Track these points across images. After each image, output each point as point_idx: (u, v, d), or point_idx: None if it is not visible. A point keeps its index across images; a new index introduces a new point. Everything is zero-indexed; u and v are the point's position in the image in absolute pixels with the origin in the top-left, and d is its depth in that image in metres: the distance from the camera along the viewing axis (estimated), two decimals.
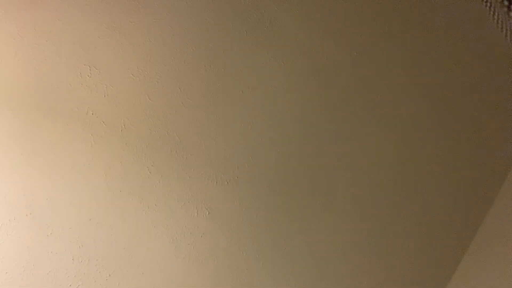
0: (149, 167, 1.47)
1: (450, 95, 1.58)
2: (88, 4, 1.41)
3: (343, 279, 1.63)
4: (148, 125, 1.46)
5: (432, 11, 1.51)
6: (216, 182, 1.52)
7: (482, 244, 1.62)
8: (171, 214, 1.49)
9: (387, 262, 1.66)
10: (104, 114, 1.43)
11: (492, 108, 1.59)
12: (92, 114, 1.43)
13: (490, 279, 1.50)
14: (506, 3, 0.84)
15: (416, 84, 1.57)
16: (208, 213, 1.52)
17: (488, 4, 0.90)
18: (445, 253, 1.67)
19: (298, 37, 1.49)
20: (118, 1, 1.42)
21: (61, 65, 1.41)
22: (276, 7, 1.47)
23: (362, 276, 1.63)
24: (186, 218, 1.50)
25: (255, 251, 1.56)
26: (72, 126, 1.42)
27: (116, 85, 1.44)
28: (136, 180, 1.47)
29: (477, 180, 1.64)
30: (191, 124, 1.49)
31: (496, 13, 0.91)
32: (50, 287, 1.41)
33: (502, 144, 1.62)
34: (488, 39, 1.53)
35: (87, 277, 1.44)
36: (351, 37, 1.51)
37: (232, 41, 1.47)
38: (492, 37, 1.52)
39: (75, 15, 1.40)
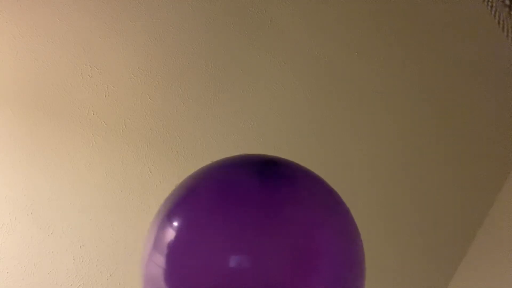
0: (150, 167, 1.47)
1: (451, 94, 1.58)
2: (89, 4, 1.41)
3: None
4: (149, 125, 1.46)
5: (433, 11, 1.51)
6: None
7: (483, 243, 1.62)
8: None
9: (390, 261, 1.65)
10: (105, 114, 1.43)
11: (494, 108, 1.59)
12: (93, 114, 1.43)
13: (491, 278, 1.50)
14: (507, 3, 0.84)
15: (417, 83, 1.56)
16: None
17: (490, 4, 0.90)
18: (447, 251, 1.67)
19: (298, 37, 1.49)
20: (118, 2, 1.42)
21: (61, 65, 1.41)
22: (276, 7, 1.47)
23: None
24: None
25: None
26: (73, 126, 1.42)
27: (117, 85, 1.44)
28: (137, 180, 1.47)
29: (479, 180, 1.64)
30: (191, 124, 1.49)
31: (498, 13, 0.90)
32: (51, 286, 1.42)
33: (504, 144, 1.61)
34: (490, 39, 1.52)
35: (88, 277, 1.44)
36: (351, 37, 1.51)
37: (232, 41, 1.47)
38: (493, 37, 1.51)
39: (76, 15, 1.40)
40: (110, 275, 1.46)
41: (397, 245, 1.65)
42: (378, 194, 1.61)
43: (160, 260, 0.54)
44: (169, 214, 0.58)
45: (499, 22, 0.93)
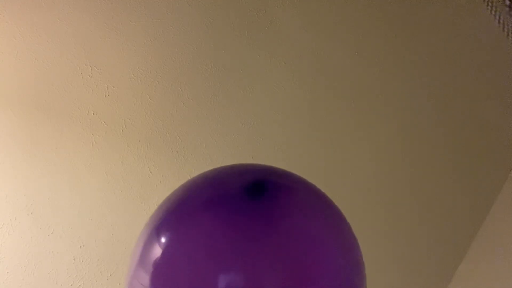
0: (150, 167, 1.47)
1: (451, 94, 1.58)
2: (89, 4, 1.41)
3: None
4: (149, 125, 1.46)
5: (433, 11, 1.51)
6: None
7: (483, 243, 1.62)
8: None
9: (390, 261, 1.65)
10: (105, 114, 1.43)
11: (494, 108, 1.59)
12: (93, 114, 1.43)
13: (491, 278, 1.50)
14: (507, 3, 0.84)
15: (417, 83, 1.56)
16: None
17: (490, 4, 0.90)
18: (447, 251, 1.67)
19: (298, 37, 1.49)
20: (119, 1, 1.42)
21: (62, 65, 1.41)
22: (276, 7, 1.47)
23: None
24: None
25: None
26: (73, 126, 1.42)
27: (117, 85, 1.44)
28: (137, 180, 1.47)
29: (479, 180, 1.64)
30: (191, 124, 1.49)
31: (498, 13, 0.90)
32: (51, 287, 1.42)
33: (504, 144, 1.61)
34: (490, 39, 1.52)
35: (88, 277, 1.44)
36: (351, 37, 1.51)
37: (232, 41, 1.47)
38: (493, 38, 1.51)
39: (76, 15, 1.40)
40: (110, 275, 1.46)
41: (397, 245, 1.65)
42: (378, 194, 1.61)
43: (145, 279, 0.51)
44: (155, 230, 0.55)
45: (499, 22, 0.93)
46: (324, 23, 1.50)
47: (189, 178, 1.54)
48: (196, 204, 0.56)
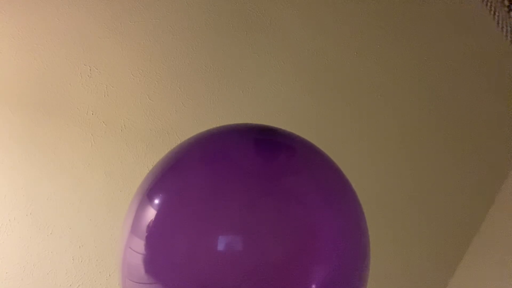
0: (149, 167, 1.47)
1: (451, 94, 1.58)
2: (89, 4, 1.41)
3: None
4: (148, 125, 1.46)
5: (433, 11, 1.51)
6: None
7: (482, 242, 1.62)
8: None
9: (389, 260, 1.65)
10: (104, 114, 1.43)
11: (494, 107, 1.59)
12: (92, 114, 1.43)
13: (490, 278, 1.50)
14: (506, 3, 0.84)
15: (417, 83, 1.56)
16: None
17: (489, 4, 0.90)
18: (447, 251, 1.67)
19: (298, 37, 1.49)
20: (118, 1, 1.42)
21: (61, 65, 1.41)
22: (276, 7, 1.47)
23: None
24: None
25: None
26: (72, 126, 1.42)
27: (116, 85, 1.44)
28: (136, 180, 1.47)
29: (479, 180, 1.64)
30: (191, 124, 1.49)
31: (497, 13, 0.90)
32: (50, 287, 1.41)
33: (504, 144, 1.62)
34: (490, 40, 1.52)
35: (87, 277, 1.44)
36: (351, 37, 1.51)
37: (232, 41, 1.47)
38: (493, 38, 1.51)
39: (76, 15, 1.40)
40: (109, 275, 1.46)
41: (396, 245, 1.65)
42: (378, 194, 1.61)
43: (139, 245, 0.44)
44: (149, 191, 0.49)
45: (498, 23, 0.93)
46: (324, 23, 1.50)
47: None
48: (197, 157, 0.50)
